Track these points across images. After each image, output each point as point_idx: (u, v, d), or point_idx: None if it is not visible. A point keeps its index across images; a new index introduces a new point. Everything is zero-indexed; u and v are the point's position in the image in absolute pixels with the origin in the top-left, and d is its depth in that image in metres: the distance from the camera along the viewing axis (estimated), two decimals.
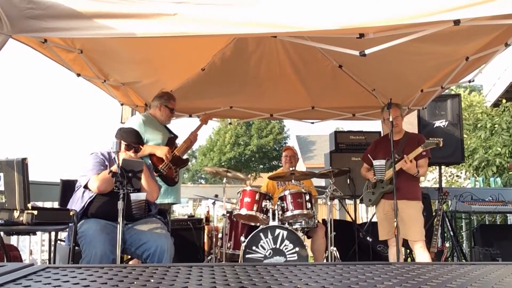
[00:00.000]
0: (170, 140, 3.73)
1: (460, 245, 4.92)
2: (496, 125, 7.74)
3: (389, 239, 3.62)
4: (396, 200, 3.26)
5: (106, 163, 2.96)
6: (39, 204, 3.75)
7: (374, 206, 3.79)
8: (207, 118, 4.07)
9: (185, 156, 3.90)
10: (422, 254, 3.45)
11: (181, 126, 4.31)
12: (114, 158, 2.94)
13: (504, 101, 7.98)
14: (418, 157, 3.50)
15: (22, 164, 2.34)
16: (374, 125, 5.46)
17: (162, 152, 3.52)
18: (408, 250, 4.25)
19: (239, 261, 3.48)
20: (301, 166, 20.67)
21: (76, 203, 2.84)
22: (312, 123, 5.51)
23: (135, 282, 0.77)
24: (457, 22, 2.06)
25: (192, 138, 3.90)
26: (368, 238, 4.39)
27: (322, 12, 2.08)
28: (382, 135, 5.17)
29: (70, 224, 2.68)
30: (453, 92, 6.60)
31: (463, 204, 4.57)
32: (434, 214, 4.36)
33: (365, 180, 3.88)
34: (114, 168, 2.62)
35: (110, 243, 2.59)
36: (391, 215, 3.52)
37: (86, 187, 2.85)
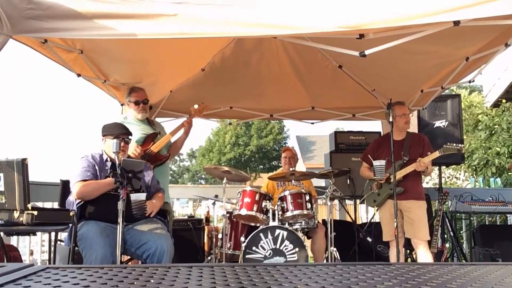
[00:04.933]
0: (148, 138, 3.56)
1: (460, 246, 4.92)
2: (496, 126, 7.74)
3: (392, 241, 3.58)
4: (396, 200, 3.25)
5: (96, 167, 2.89)
6: (39, 204, 3.75)
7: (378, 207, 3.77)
8: (203, 109, 3.77)
9: (165, 152, 3.66)
10: (425, 254, 3.44)
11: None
12: (107, 159, 2.92)
13: (504, 101, 7.98)
14: (424, 157, 3.45)
15: (22, 165, 2.34)
16: (374, 125, 5.47)
17: (129, 149, 3.29)
18: (407, 250, 4.25)
19: (239, 262, 3.48)
20: (301, 167, 20.67)
21: (71, 208, 2.82)
22: (312, 123, 5.51)
23: (135, 283, 0.77)
24: (457, 22, 2.06)
25: (186, 124, 3.68)
26: (368, 238, 4.39)
27: (322, 13, 2.08)
28: (382, 135, 5.17)
29: (70, 225, 2.68)
30: (453, 93, 6.59)
31: (463, 205, 4.57)
32: (434, 214, 4.36)
33: (365, 180, 3.87)
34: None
35: (110, 246, 2.57)
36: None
37: None
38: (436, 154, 3.37)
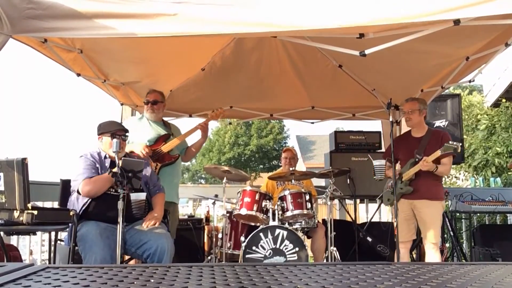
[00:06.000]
0: (160, 138, 3.60)
1: (460, 245, 4.92)
2: (496, 125, 7.73)
3: (405, 241, 3.51)
4: (396, 200, 3.25)
5: (97, 165, 2.87)
6: (39, 204, 3.75)
7: (391, 206, 3.74)
8: (220, 113, 3.83)
9: (176, 153, 3.68)
10: (433, 255, 3.38)
11: (181, 126, 4.17)
12: (106, 156, 2.92)
13: (504, 101, 7.97)
14: (442, 155, 3.35)
15: (22, 164, 2.34)
16: (374, 125, 5.46)
17: (138, 148, 3.38)
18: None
19: (239, 261, 3.48)
20: (301, 166, 20.67)
21: (72, 208, 2.80)
22: (312, 123, 5.51)
23: (135, 282, 0.77)
24: (457, 22, 2.07)
25: (201, 127, 3.72)
26: (368, 238, 4.38)
27: (322, 12, 2.08)
28: (382, 135, 5.17)
29: (70, 224, 2.67)
30: (452, 92, 6.59)
31: (463, 204, 4.57)
32: None
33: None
34: (114, 169, 2.61)
35: (109, 248, 2.56)
36: (410, 216, 3.49)
37: (78, 191, 2.79)
38: (438, 153, 3.30)
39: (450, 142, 3.28)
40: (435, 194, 3.45)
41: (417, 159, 3.43)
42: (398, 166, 3.62)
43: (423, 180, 3.42)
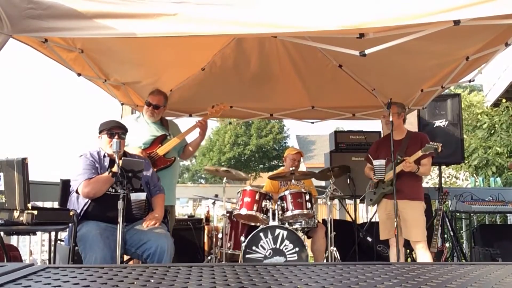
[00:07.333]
0: (155, 140, 3.56)
1: (460, 245, 4.92)
2: (496, 125, 7.74)
3: (390, 239, 3.62)
4: (396, 200, 3.26)
5: (97, 165, 2.88)
6: (39, 204, 3.75)
7: (376, 205, 3.79)
8: (220, 109, 3.73)
9: (172, 154, 3.62)
10: (424, 255, 3.45)
11: (181, 126, 4.13)
12: (105, 155, 2.92)
13: (504, 100, 7.98)
14: (421, 156, 3.45)
15: (22, 164, 2.34)
16: (374, 125, 5.47)
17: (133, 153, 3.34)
18: (407, 250, 4.25)
19: (239, 261, 3.48)
20: (301, 166, 20.65)
21: (72, 208, 2.81)
22: (312, 122, 5.51)
23: (135, 282, 0.77)
24: (457, 22, 2.06)
25: (200, 124, 3.64)
26: (368, 238, 4.39)
27: (322, 12, 2.08)
28: (382, 135, 5.17)
29: (70, 224, 2.67)
30: (453, 92, 6.58)
31: (463, 204, 4.57)
32: (434, 214, 4.36)
33: (367, 179, 3.88)
34: (114, 168, 2.61)
35: (109, 248, 2.57)
36: (393, 215, 3.52)
37: (77, 192, 2.79)
38: (419, 154, 3.38)
39: (431, 142, 3.35)
40: (416, 195, 3.53)
41: (398, 161, 3.48)
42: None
43: (405, 181, 3.48)
